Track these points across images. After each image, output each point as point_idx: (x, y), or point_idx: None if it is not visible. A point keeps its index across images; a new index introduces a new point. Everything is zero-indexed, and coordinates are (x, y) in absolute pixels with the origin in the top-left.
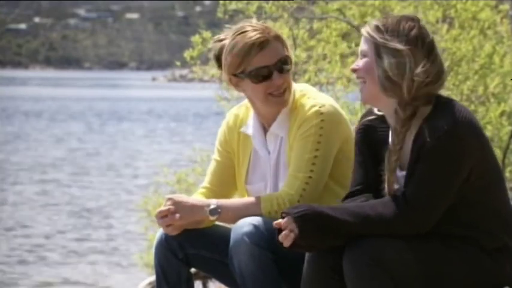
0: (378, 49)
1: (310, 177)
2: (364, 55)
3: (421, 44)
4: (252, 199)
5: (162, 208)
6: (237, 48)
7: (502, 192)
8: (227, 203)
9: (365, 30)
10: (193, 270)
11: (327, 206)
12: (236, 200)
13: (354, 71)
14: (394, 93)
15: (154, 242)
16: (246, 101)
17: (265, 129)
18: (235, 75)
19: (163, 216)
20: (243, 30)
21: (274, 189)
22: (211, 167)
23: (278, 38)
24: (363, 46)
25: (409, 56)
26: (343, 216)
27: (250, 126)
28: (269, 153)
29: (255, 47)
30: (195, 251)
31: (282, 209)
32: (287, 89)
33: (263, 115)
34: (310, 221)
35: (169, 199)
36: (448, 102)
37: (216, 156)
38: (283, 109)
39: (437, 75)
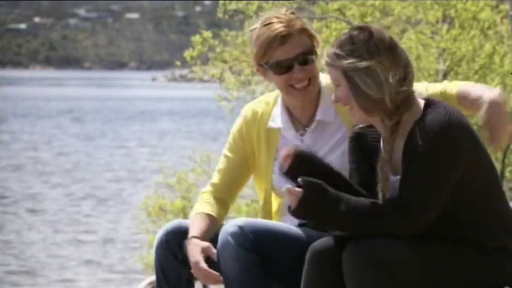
0: (347, 75)
1: None
2: (337, 84)
3: (383, 49)
4: None
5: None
6: (260, 39)
7: (500, 194)
8: None
9: (326, 62)
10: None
11: (336, 194)
12: None
13: (337, 102)
14: (379, 110)
15: (155, 244)
16: (263, 97)
17: (293, 120)
18: (261, 65)
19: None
20: (269, 21)
21: None
22: (221, 163)
23: (303, 30)
24: (332, 76)
25: (379, 67)
26: (343, 209)
27: (278, 120)
28: (302, 141)
29: (277, 40)
30: None
31: None
32: (312, 79)
33: (294, 106)
34: (313, 198)
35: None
36: (439, 104)
37: (227, 152)
38: (322, 96)
39: (405, 72)
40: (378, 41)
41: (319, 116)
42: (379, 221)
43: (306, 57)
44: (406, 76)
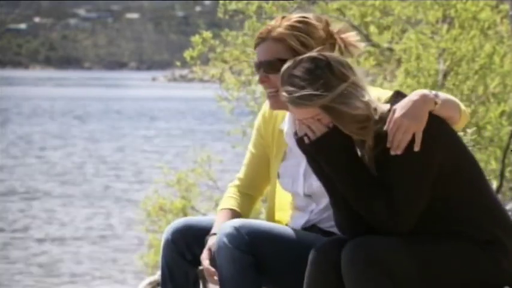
0: (328, 107)
1: None
2: (318, 118)
3: (345, 70)
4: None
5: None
6: None
7: (485, 185)
8: None
9: (296, 104)
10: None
11: (360, 159)
12: None
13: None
14: (369, 127)
15: (162, 244)
16: None
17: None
18: None
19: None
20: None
21: (308, 186)
22: (246, 158)
23: (280, 40)
24: (305, 114)
25: (351, 86)
26: (354, 172)
27: (286, 122)
28: None
29: (255, 41)
30: (202, 251)
31: None
32: (279, 91)
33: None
34: (334, 142)
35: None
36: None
37: (251, 147)
38: None
39: (361, 80)
40: (337, 64)
41: None
42: (371, 214)
43: (270, 65)
44: (364, 85)
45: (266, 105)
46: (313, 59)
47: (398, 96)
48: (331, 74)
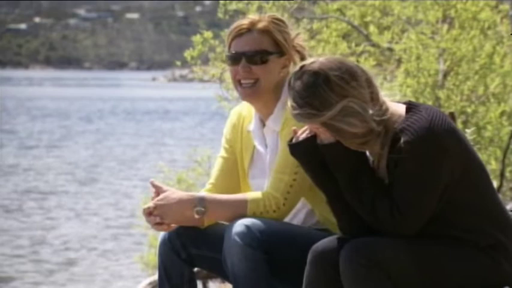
0: (327, 123)
1: (294, 180)
2: (322, 130)
3: (346, 84)
4: (240, 198)
5: (149, 205)
6: (229, 29)
7: (490, 190)
8: (215, 201)
9: (298, 119)
10: (195, 269)
11: (368, 167)
12: (224, 198)
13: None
14: (370, 140)
15: (158, 242)
16: None
17: (263, 124)
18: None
19: (148, 214)
20: (246, 17)
21: None
22: (217, 163)
23: (266, 31)
24: (308, 125)
25: (352, 101)
26: (359, 179)
27: (253, 123)
28: (266, 147)
29: (234, 33)
30: (197, 251)
31: (267, 211)
32: (258, 81)
33: (259, 109)
34: (335, 151)
35: (156, 194)
36: (419, 107)
37: (222, 153)
38: (278, 103)
39: (370, 88)
40: (338, 79)
41: (269, 122)
42: (374, 217)
43: (256, 56)
44: (372, 91)
45: (233, 113)
46: (313, 74)
47: (411, 104)
48: (330, 90)
